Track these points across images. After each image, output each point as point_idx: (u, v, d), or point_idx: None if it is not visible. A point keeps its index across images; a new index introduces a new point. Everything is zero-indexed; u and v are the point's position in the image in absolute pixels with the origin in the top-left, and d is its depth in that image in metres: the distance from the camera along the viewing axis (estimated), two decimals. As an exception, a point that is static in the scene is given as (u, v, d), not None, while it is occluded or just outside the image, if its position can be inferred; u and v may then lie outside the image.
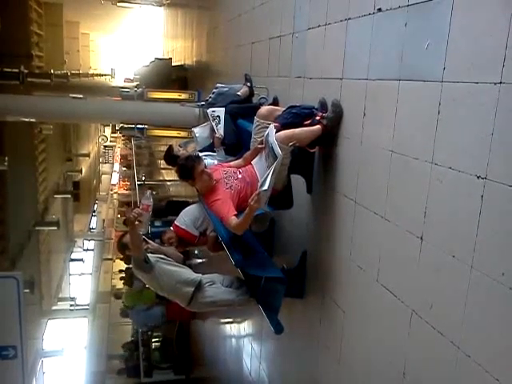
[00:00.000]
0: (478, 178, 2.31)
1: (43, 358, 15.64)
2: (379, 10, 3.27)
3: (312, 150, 4.09)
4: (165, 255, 4.81)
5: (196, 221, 6.26)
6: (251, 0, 6.40)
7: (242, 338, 7.16)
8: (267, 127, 3.86)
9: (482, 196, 2.29)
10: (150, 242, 4.88)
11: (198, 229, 6.32)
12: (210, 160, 5.51)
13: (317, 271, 4.40)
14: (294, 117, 3.89)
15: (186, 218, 6.42)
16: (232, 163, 4.47)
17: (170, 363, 12.59)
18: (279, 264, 4.71)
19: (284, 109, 4.10)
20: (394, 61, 3.05)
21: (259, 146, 3.97)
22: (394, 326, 3.08)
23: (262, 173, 3.77)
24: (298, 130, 3.76)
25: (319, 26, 4.26)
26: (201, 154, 5.67)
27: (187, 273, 4.80)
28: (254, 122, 4.35)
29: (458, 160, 2.48)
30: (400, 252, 3.01)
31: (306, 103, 4.15)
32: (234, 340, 7.74)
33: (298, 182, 4.31)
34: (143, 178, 17.62)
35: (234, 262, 4.45)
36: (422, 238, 2.76)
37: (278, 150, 3.51)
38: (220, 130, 5.61)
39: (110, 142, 30.62)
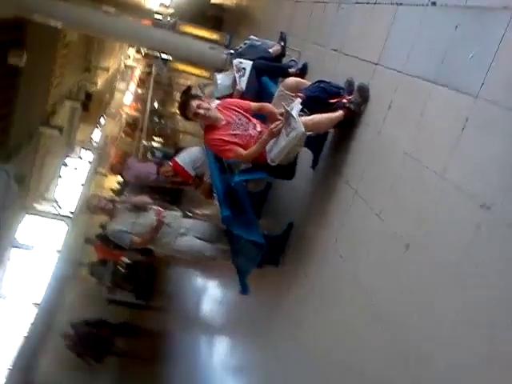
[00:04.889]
0: (482, 207, 2.24)
1: (13, 247, 15.95)
2: (433, 3, 3.12)
3: (330, 131, 4.02)
4: (134, 204, 4.87)
5: (195, 162, 6.25)
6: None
7: (207, 283, 7.23)
8: (290, 99, 3.76)
9: (479, 226, 2.24)
10: (116, 199, 4.91)
11: (196, 170, 6.32)
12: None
13: (297, 245, 4.39)
14: (321, 91, 3.77)
15: (186, 157, 6.40)
16: (251, 104, 4.27)
17: (133, 286, 12.83)
18: (263, 227, 4.70)
19: (311, 83, 3.98)
20: (434, 62, 2.93)
21: (279, 116, 3.86)
22: (355, 321, 3.10)
23: (272, 143, 3.74)
24: (318, 118, 3.61)
25: (368, 2, 4.09)
26: (216, 102, 5.58)
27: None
28: (278, 90, 4.24)
29: (468, 183, 2.41)
30: (383, 255, 2.98)
31: (336, 79, 4.00)
32: (199, 282, 7.81)
33: (305, 154, 4.22)
34: (156, 105, 17.52)
35: (222, 218, 4.43)
36: (407, 247, 2.72)
37: (300, 126, 3.44)
38: (242, 83, 5.48)
39: (132, 61, 30.18)
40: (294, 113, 3.52)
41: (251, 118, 4.17)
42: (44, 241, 18.35)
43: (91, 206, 4.92)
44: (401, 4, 3.51)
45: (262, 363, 4.63)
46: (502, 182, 2.21)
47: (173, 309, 9.93)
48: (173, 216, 4.98)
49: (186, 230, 4.90)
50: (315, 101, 3.72)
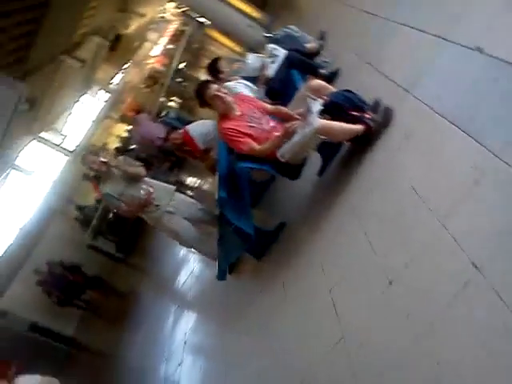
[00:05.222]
0: (473, 265, 2.23)
1: (12, 169, 15.97)
2: (480, 49, 3.07)
3: (344, 143, 4.00)
4: (128, 173, 4.86)
5: (207, 135, 6.19)
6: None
7: (189, 255, 7.25)
8: (311, 100, 3.73)
9: (467, 284, 2.23)
10: (112, 162, 4.92)
11: (204, 144, 6.27)
12: (244, 89, 5.38)
13: (284, 247, 4.38)
14: (346, 100, 3.72)
15: (197, 129, 6.34)
16: (266, 105, 4.37)
17: (117, 238, 12.86)
18: (256, 217, 4.69)
19: (337, 90, 3.94)
20: (465, 107, 2.90)
21: (297, 116, 3.84)
22: (320, 339, 3.11)
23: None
24: (336, 124, 3.59)
25: (414, 28, 4.04)
26: (241, 81, 5.54)
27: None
28: (301, 90, 4.22)
29: (466, 237, 2.38)
30: (365, 284, 2.96)
31: (363, 92, 3.95)
32: (181, 252, 7.82)
33: (315, 160, 4.19)
34: (182, 66, 17.32)
35: (218, 198, 4.43)
36: (390, 283, 2.71)
37: (316, 122, 3.45)
38: (271, 70, 5.44)
39: (169, 15, 29.76)
40: (314, 110, 3.54)
41: (265, 113, 4.19)
42: (43, 169, 18.37)
43: (86, 163, 4.91)
44: (446, 40, 3.46)
45: (221, 350, 4.66)
46: (500, 248, 2.19)
47: (149, 271, 9.98)
48: (162, 194, 5.00)
49: (175, 209, 4.96)
50: (338, 108, 3.69)
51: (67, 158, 19.79)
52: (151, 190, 4.94)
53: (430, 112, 3.18)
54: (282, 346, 3.60)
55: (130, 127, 10.92)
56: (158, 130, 10.01)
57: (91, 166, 4.85)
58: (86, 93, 22.80)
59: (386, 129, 3.62)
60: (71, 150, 20.11)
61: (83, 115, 22.69)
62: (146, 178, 5.06)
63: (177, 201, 5.07)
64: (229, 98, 4.18)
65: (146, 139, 10.36)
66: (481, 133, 2.65)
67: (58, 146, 19.97)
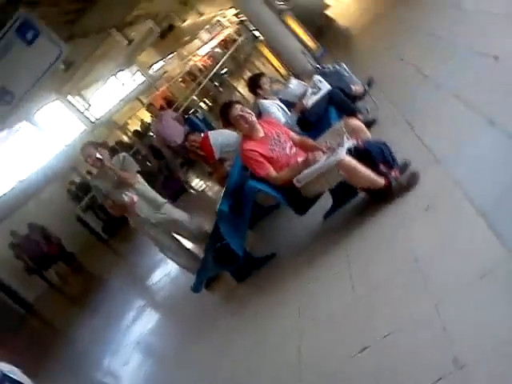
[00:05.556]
0: (454, 362, 2.04)
1: (28, 121, 15.92)
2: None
3: (359, 191, 3.85)
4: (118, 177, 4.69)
5: (226, 146, 6.06)
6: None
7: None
8: (344, 138, 3.61)
9: (440, 379, 2.04)
10: (106, 161, 4.71)
11: (221, 154, 6.14)
12: (277, 111, 5.27)
13: (266, 275, 4.25)
14: (378, 152, 3.59)
15: (219, 137, 6.22)
16: (292, 134, 4.27)
17: (106, 217, 12.68)
18: (248, 240, 4.54)
19: (373, 139, 3.81)
20: (495, 200, 2.72)
21: (325, 149, 3.72)
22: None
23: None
24: (362, 169, 3.47)
25: (464, 102, 3.90)
26: (277, 102, 5.44)
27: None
28: (338, 125, 4.13)
29: (456, 331, 2.19)
30: (339, 343, 2.77)
31: (394, 149, 3.80)
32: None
33: (325, 202, 4.03)
34: (223, 71, 17.39)
35: (218, 210, 4.30)
36: (364, 349, 2.53)
37: (342, 154, 3.43)
38: (310, 101, 5.35)
39: (226, 21, 30.14)
40: (344, 144, 3.51)
41: (289, 141, 4.13)
42: (58, 131, 18.32)
43: (83, 154, 4.77)
44: (494, 124, 3.31)
45: (173, 361, 4.47)
46: (490, 352, 2.01)
47: (126, 260, 9.78)
48: (147, 206, 4.84)
49: (158, 223, 4.88)
50: (368, 156, 3.57)
51: (85, 127, 19.76)
52: (135, 199, 4.75)
53: (457, 191, 3.02)
54: (235, 373, 3.43)
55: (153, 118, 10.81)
56: (177, 134, 9.80)
57: (87, 159, 4.71)
58: (123, 70, 22.89)
59: (406, 193, 3.47)
60: (92, 120, 20.09)
61: (114, 91, 22.74)
62: (138, 186, 4.85)
63: (166, 214, 4.92)
64: (253, 119, 4.08)
65: (161, 137, 10.24)
66: (500, 226, 2.47)
67: (81, 113, 19.95)
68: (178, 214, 5.05)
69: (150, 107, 11.14)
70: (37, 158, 16.68)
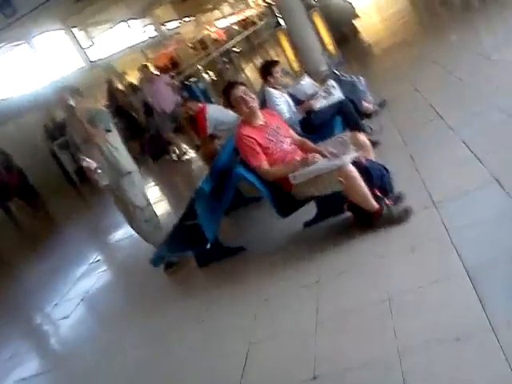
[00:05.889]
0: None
1: (25, 42, 15.36)
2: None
3: (345, 210, 3.73)
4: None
5: (221, 124, 5.89)
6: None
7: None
8: (350, 151, 3.49)
9: None
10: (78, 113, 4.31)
11: (214, 130, 5.96)
12: (283, 104, 5.12)
13: (227, 270, 4.12)
14: (378, 176, 3.48)
15: (216, 113, 6.05)
16: (292, 133, 4.11)
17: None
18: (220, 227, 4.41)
19: (376, 161, 3.68)
20: (485, 263, 2.61)
21: (327, 153, 3.59)
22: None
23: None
24: (362, 185, 3.35)
25: (472, 152, 3.80)
26: (286, 96, 5.28)
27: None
28: (343, 135, 4.02)
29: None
30: (289, 372, 2.64)
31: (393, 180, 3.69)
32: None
33: (310, 209, 3.89)
34: (235, 49, 17.11)
35: (199, 188, 4.16)
36: (315, 378, 2.43)
37: (347, 161, 3.35)
38: (319, 104, 5.22)
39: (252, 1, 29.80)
40: (350, 154, 3.44)
41: (288, 135, 3.98)
42: (54, 60, 17.79)
43: (58, 95, 4.42)
44: (499, 183, 3.21)
45: (119, 323, 4.33)
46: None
47: (91, 208, 9.44)
48: (108, 174, 4.38)
49: (121, 192, 4.52)
50: (367, 177, 3.43)
51: (83, 64, 19.25)
52: (93, 166, 4.26)
53: (448, 241, 2.92)
54: (171, 363, 3.29)
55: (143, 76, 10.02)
56: (167, 102, 9.36)
57: (60, 101, 4.39)
58: (136, 19, 22.38)
59: (393, 226, 3.36)
60: (91, 59, 19.59)
61: (122, 37, 22.22)
62: (104, 146, 4.36)
63: (124, 189, 4.49)
64: (254, 105, 3.88)
65: (150, 100, 9.84)
66: (488, 298, 2.36)
67: (82, 49, 19.42)
68: (135, 195, 4.54)
69: (143, 68, 10.25)
70: (26, 82, 16.15)
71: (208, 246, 3.99)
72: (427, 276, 2.74)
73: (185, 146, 9.92)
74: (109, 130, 4.40)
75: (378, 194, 3.46)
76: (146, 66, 10.11)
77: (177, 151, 9.77)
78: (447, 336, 2.25)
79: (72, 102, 4.28)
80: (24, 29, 15.57)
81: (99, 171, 4.31)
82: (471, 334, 2.21)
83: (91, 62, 19.27)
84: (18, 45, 16.82)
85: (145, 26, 23.35)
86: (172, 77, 11.26)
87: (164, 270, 4.52)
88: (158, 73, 12.85)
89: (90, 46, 19.62)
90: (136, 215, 4.56)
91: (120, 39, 21.93)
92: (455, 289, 2.53)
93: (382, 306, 2.67)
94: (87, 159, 4.28)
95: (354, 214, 3.67)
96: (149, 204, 4.70)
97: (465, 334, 2.22)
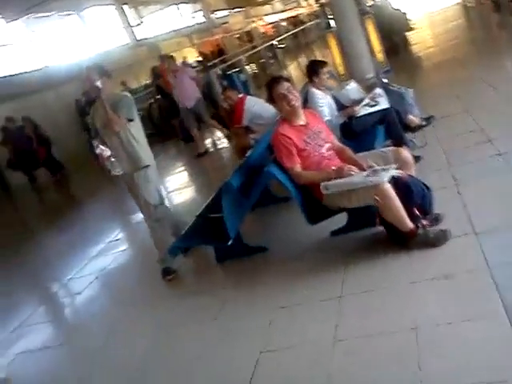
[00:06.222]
0: None
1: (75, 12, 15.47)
2: None
3: (378, 224, 3.54)
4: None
5: (258, 118, 5.75)
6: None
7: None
8: (390, 168, 3.29)
9: None
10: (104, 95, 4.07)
11: (250, 124, 5.82)
12: (325, 106, 4.93)
13: (247, 269, 3.98)
14: (418, 195, 3.28)
15: (255, 106, 5.90)
16: (334, 138, 3.93)
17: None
18: (244, 223, 4.28)
19: (417, 177, 3.47)
20: None
21: (365, 166, 3.42)
22: None
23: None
24: (398, 206, 3.16)
25: None
26: (329, 98, 5.10)
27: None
28: (386, 149, 3.87)
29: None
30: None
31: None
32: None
33: (341, 218, 3.71)
34: (280, 45, 16.95)
35: (228, 182, 4.01)
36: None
37: (386, 179, 3.16)
38: (363, 111, 5.03)
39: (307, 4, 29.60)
40: (390, 171, 3.25)
41: (329, 141, 3.79)
42: (102, 34, 17.90)
43: (86, 73, 4.15)
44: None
45: (133, 303, 4.24)
46: None
47: (118, 189, 9.31)
48: (121, 164, 4.20)
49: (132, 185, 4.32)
50: (407, 193, 3.23)
51: (129, 41, 19.32)
52: (106, 154, 4.12)
53: (488, 276, 2.71)
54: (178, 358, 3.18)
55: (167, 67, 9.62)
56: (189, 97, 9.03)
57: (86, 81, 4.17)
58: (187, 3, 22.38)
59: (429, 248, 3.16)
60: (138, 38, 19.66)
61: (170, 19, 22.27)
62: (122, 135, 4.12)
63: (143, 177, 4.23)
64: (296, 103, 3.70)
65: (170, 90, 9.66)
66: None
67: (130, 26, 19.51)
68: (149, 192, 4.28)
69: (168, 59, 9.76)
70: (70, 52, 16.27)
71: (230, 242, 3.85)
72: (462, 310, 2.54)
73: (218, 135, 9.79)
74: (131, 120, 4.16)
75: (417, 212, 3.26)
76: (171, 57, 9.75)
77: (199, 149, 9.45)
78: (481, 380, 2.06)
79: (99, 84, 4.04)
80: (76, 0, 15.69)
81: (113, 159, 4.16)
82: (508, 381, 2.01)
83: (137, 40, 19.34)
84: (68, 15, 16.97)
85: (194, 11, 23.35)
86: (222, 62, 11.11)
87: (162, 277, 4.34)
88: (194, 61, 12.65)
89: (138, 24, 19.71)
90: (147, 212, 4.36)
91: (168, 22, 21.98)
92: (493, 330, 2.33)
93: (408, 335, 2.48)
94: (101, 146, 4.14)
95: (387, 230, 3.48)
96: (162, 202, 4.46)
97: (500, 381, 2.02)
